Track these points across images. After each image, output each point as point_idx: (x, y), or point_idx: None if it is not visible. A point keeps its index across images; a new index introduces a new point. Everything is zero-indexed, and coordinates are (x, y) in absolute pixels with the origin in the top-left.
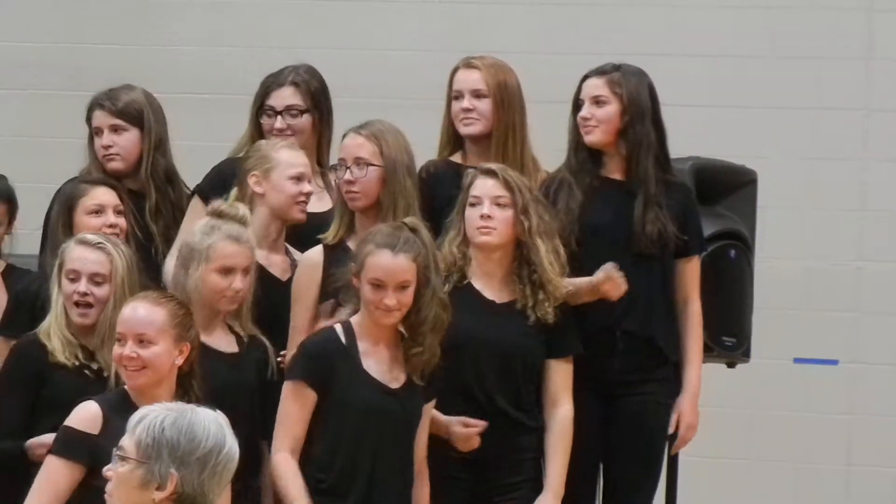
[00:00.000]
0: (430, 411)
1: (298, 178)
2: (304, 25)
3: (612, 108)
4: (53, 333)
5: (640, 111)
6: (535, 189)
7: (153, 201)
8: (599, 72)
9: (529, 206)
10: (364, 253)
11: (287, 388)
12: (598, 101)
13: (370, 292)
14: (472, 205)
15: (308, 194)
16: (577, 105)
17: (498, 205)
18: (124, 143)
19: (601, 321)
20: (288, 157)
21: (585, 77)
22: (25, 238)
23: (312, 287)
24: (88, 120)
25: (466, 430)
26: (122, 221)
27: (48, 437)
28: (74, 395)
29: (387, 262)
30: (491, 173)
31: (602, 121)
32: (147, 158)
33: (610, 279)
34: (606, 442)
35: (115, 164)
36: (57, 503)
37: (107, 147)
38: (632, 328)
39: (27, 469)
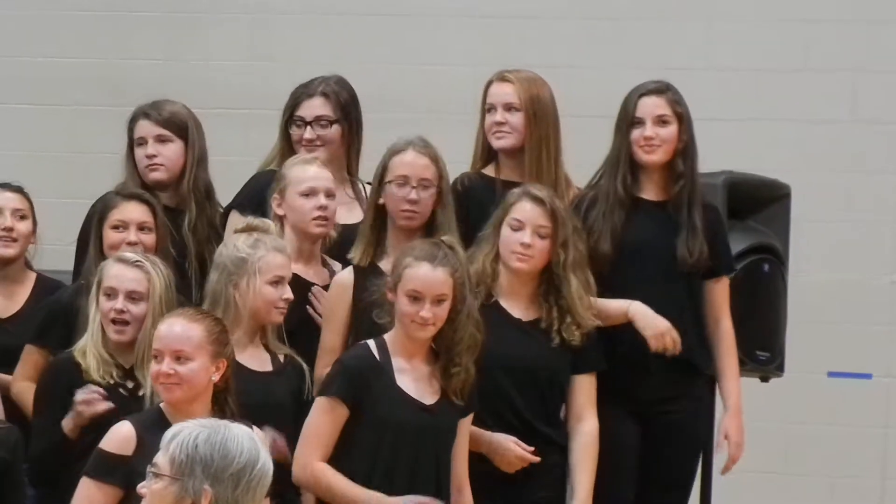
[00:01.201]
0: (467, 426)
1: (308, 194)
2: (341, 40)
3: (674, 128)
4: (89, 351)
5: (692, 130)
6: (572, 216)
7: (193, 216)
8: (657, 91)
9: (569, 238)
10: (402, 265)
11: (319, 402)
12: (662, 121)
13: (407, 304)
14: (514, 228)
15: (322, 208)
16: (630, 123)
17: (539, 235)
18: (169, 154)
19: (634, 340)
20: (297, 174)
21: (640, 95)
22: (66, 253)
23: (342, 308)
24: (131, 130)
25: (520, 451)
26: (147, 238)
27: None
28: (109, 413)
29: (425, 275)
30: (538, 201)
31: (666, 140)
32: (190, 172)
33: (662, 337)
34: (641, 458)
35: (158, 175)
36: None
37: (151, 157)
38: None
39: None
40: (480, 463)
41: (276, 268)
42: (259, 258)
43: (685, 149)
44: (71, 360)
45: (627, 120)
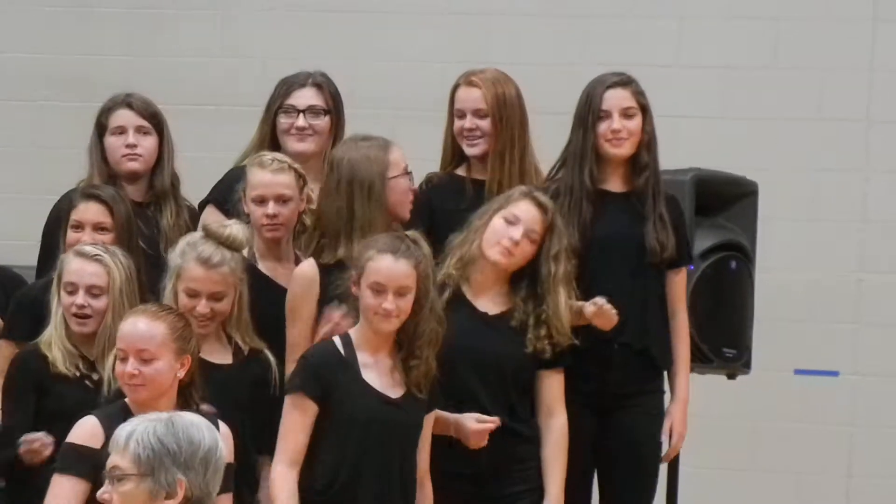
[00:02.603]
0: (430, 421)
1: (259, 201)
2: (310, 36)
3: (639, 120)
4: (55, 344)
5: (653, 122)
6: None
7: (173, 211)
8: (621, 83)
9: (561, 254)
10: (365, 258)
11: (288, 401)
12: (627, 114)
13: (370, 297)
14: (508, 221)
15: (270, 216)
16: (597, 117)
17: (529, 238)
18: (147, 146)
19: (598, 334)
20: (252, 178)
21: (606, 87)
22: (28, 248)
23: (309, 302)
24: (105, 118)
25: (480, 425)
26: (103, 239)
27: (36, 435)
28: (75, 406)
29: (388, 267)
30: (541, 207)
31: (633, 132)
32: (168, 166)
33: (602, 315)
34: (601, 454)
35: (135, 165)
36: None
37: (131, 146)
38: (628, 340)
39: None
40: (453, 461)
41: (190, 280)
42: (178, 265)
43: (649, 141)
44: (37, 353)
45: (593, 113)
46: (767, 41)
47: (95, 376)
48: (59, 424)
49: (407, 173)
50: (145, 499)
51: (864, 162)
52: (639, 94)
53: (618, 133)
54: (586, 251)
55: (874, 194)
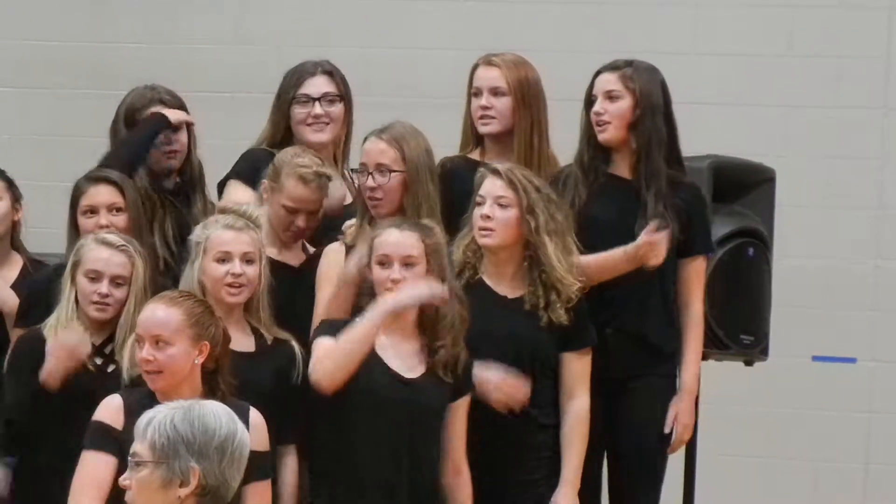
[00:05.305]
0: (463, 408)
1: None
2: (328, 24)
3: (624, 103)
4: (60, 328)
5: (652, 106)
6: (547, 187)
7: (204, 198)
8: (612, 67)
9: (536, 205)
10: (372, 237)
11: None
12: (610, 97)
13: (378, 272)
14: (478, 204)
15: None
16: (589, 101)
17: (500, 205)
18: (183, 141)
19: (593, 319)
20: (289, 186)
21: (598, 73)
22: (48, 236)
23: (336, 273)
24: (140, 116)
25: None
26: (118, 220)
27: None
28: (76, 389)
29: (393, 237)
30: (496, 173)
31: (615, 116)
32: (194, 155)
33: (650, 244)
34: (609, 438)
35: (175, 162)
36: (101, 495)
37: (169, 143)
38: (623, 326)
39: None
40: (467, 448)
41: (220, 244)
42: (206, 237)
43: (637, 123)
44: (38, 338)
45: (586, 98)
46: (784, 29)
47: (99, 360)
48: (61, 406)
49: (361, 170)
50: (159, 485)
51: (880, 149)
52: (628, 79)
53: (600, 116)
54: (583, 234)
55: (891, 181)
